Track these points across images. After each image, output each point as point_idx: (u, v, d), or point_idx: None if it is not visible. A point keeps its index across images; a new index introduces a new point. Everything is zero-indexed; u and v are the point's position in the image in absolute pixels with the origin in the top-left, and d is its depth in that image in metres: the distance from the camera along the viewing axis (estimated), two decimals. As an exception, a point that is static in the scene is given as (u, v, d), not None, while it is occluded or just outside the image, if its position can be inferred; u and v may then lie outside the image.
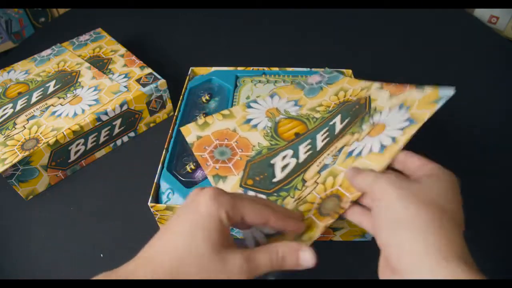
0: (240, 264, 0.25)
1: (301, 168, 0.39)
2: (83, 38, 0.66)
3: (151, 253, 0.25)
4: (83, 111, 0.53)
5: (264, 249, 0.27)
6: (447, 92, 0.31)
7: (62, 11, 0.85)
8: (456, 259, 0.24)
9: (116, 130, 0.56)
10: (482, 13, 0.80)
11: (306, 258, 0.28)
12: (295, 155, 0.40)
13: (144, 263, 0.25)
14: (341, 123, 0.41)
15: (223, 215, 0.25)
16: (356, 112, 0.40)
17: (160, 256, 0.24)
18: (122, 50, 0.63)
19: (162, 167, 0.46)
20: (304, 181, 0.38)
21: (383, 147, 0.32)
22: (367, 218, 0.31)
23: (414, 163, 0.30)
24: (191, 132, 0.47)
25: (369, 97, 0.40)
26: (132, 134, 0.59)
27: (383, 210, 0.27)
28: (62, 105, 0.54)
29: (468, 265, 0.24)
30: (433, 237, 0.25)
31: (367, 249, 0.45)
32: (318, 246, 0.45)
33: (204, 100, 0.55)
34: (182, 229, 0.25)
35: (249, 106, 0.49)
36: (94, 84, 0.57)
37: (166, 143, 0.48)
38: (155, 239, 0.26)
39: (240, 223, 0.27)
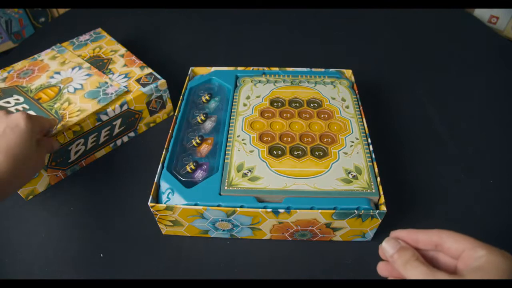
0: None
1: None
2: (83, 38, 0.66)
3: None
4: (83, 111, 0.53)
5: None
6: None
7: (62, 11, 0.85)
8: None
9: (116, 130, 0.56)
10: (482, 13, 0.80)
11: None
12: None
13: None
14: None
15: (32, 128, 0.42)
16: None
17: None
18: (122, 50, 0.63)
19: (162, 167, 0.46)
20: None
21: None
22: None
23: (450, 249, 0.28)
24: None
25: None
26: (132, 134, 0.59)
27: None
28: (62, 105, 0.54)
29: None
30: None
31: (367, 249, 0.45)
32: (318, 245, 0.45)
33: (204, 100, 0.55)
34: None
35: None
36: (94, 84, 0.57)
37: (166, 143, 0.48)
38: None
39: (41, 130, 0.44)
